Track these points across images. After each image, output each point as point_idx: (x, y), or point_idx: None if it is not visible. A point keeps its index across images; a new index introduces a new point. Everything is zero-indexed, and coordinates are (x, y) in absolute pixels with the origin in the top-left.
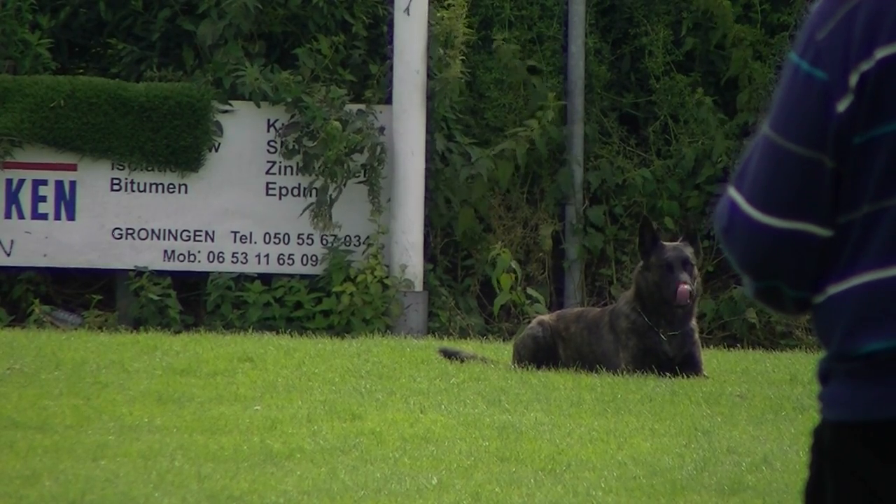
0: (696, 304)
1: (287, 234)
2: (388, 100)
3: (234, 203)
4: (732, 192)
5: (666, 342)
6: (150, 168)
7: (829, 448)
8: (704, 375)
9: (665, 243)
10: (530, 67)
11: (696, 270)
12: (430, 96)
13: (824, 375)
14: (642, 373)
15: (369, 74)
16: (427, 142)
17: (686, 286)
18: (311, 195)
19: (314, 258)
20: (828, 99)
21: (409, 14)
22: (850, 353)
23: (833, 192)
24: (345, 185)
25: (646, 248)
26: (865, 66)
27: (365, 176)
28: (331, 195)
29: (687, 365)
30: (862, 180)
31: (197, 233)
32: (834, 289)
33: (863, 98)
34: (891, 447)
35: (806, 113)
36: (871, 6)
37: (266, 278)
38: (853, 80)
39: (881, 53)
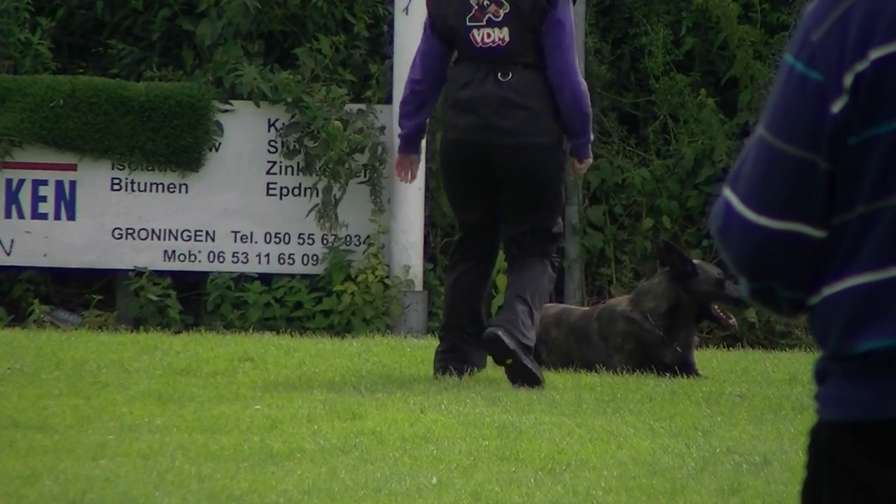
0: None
1: (287, 233)
2: (388, 99)
3: (234, 203)
4: (727, 193)
5: None
6: (150, 168)
7: (825, 448)
8: (703, 376)
9: None
10: None
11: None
12: None
13: (821, 375)
14: (641, 373)
15: (369, 74)
16: (427, 142)
17: None
18: (312, 195)
19: (315, 258)
20: (822, 100)
21: (407, 13)
22: (846, 353)
23: (827, 193)
24: (347, 184)
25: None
26: (860, 66)
27: (366, 176)
28: (335, 195)
29: (681, 368)
30: (857, 181)
31: (197, 233)
32: (829, 290)
33: (857, 99)
34: (887, 447)
35: (801, 114)
36: (865, 7)
37: (266, 278)
38: (848, 81)
39: (876, 54)
